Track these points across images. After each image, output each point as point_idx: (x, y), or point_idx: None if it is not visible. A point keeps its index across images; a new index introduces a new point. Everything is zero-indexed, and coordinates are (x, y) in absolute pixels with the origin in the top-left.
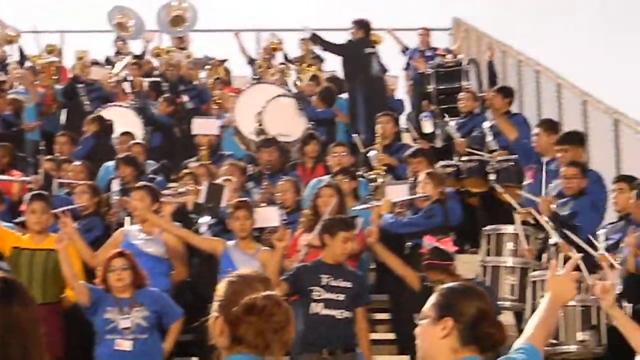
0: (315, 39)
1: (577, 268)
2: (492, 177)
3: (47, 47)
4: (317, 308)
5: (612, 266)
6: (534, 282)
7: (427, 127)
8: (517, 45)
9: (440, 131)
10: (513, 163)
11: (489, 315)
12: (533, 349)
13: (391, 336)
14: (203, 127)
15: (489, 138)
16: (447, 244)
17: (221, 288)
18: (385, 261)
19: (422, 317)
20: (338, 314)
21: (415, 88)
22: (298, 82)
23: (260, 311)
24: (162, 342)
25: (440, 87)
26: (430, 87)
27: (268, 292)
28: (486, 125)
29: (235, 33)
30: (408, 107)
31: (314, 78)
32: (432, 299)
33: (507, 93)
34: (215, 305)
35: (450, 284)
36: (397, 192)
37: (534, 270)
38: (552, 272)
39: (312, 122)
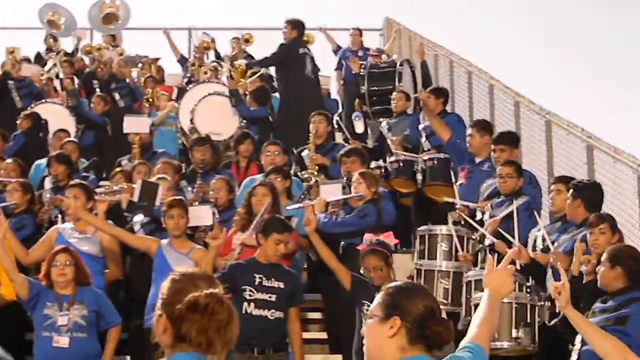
0: (250, 64)
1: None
2: (419, 176)
3: None
4: (249, 308)
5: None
6: (469, 283)
7: (359, 127)
8: (449, 46)
9: (372, 132)
10: (437, 162)
11: (435, 314)
12: (479, 347)
13: (324, 335)
14: (134, 125)
15: (423, 139)
16: (389, 238)
17: (165, 286)
18: (320, 253)
19: (370, 316)
20: (269, 314)
21: (348, 88)
22: (230, 80)
23: (203, 309)
24: (99, 343)
25: (373, 87)
26: (364, 88)
27: (211, 290)
28: (420, 126)
29: (165, 31)
30: (340, 107)
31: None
32: (379, 298)
33: (440, 93)
34: (158, 303)
35: (397, 283)
36: (331, 192)
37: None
38: (488, 268)
39: (245, 121)
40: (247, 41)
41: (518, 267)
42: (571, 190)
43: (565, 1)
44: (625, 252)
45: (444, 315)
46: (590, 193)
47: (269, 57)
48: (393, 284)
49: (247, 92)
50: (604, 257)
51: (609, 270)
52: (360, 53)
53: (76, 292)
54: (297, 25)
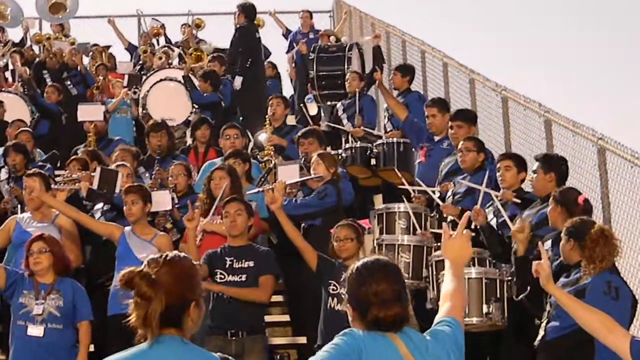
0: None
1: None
2: (372, 162)
3: None
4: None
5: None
6: (436, 262)
7: (312, 109)
8: (401, 25)
9: (324, 114)
10: (387, 146)
11: (377, 299)
12: (455, 320)
13: (286, 318)
14: (88, 113)
15: (385, 120)
16: (364, 222)
17: None
18: (286, 231)
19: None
20: None
21: (300, 71)
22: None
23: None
24: (75, 335)
25: (322, 72)
26: (312, 72)
27: (135, 267)
28: (383, 106)
29: (110, 19)
30: (291, 90)
31: (216, 59)
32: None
33: (405, 71)
34: None
35: (357, 264)
36: (288, 172)
37: (433, 250)
38: (445, 236)
39: (197, 106)
40: (198, 26)
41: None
42: (539, 164)
43: None
44: (581, 224)
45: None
46: (563, 166)
47: (234, 47)
48: (354, 265)
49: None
50: (563, 232)
51: (566, 243)
52: (311, 35)
53: (55, 282)
54: (249, 10)
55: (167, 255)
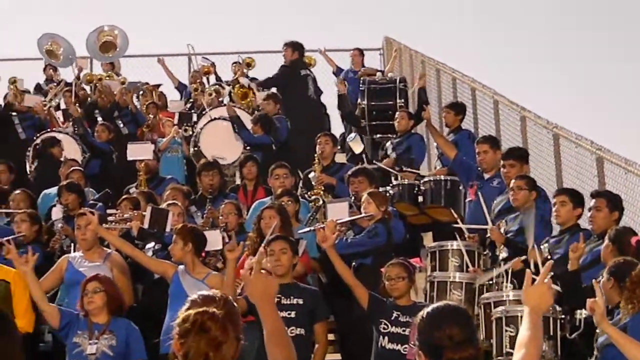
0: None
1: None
2: (420, 199)
3: None
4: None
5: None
6: (484, 305)
7: (357, 148)
8: (451, 63)
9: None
10: (435, 184)
11: (450, 342)
12: None
13: (338, 357)
14: (137, 152)
15: (435, 158)
16: (416, 261)
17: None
18: (337, 270)
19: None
20: (289, 331)
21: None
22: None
23: (193, 326)
24: None
25: (373, 103)
26: (363, 103)
27: (204, 308)
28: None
29: (159, 59)
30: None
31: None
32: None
33: (459, 109)
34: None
35: (427, 310)
36: (338, 210)
37: (482, 286)
38: (526, 283)
39: (248, 147)
40: (248, 65)
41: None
42: (605, 202)
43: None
44: (623, 265)
45: None
46: (622, 206)
47: (272, 77)
48: (423, 311)
49: (256, 109)
50: (605, 271)
51: (607, 281)
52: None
53: (110, 322)
54: (296, 47)
55: (224, 296)
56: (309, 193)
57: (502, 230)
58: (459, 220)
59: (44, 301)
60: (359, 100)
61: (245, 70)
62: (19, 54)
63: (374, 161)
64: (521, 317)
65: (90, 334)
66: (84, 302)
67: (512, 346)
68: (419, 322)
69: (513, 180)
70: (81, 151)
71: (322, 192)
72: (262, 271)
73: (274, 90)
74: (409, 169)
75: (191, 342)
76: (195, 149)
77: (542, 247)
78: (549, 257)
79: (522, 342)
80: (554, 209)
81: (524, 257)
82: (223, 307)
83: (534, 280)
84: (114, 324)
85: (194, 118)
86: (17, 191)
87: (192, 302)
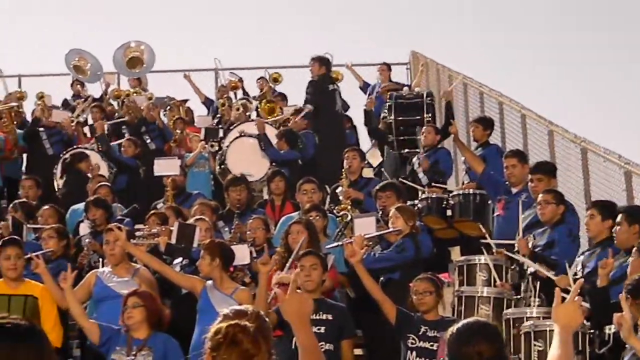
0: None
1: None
2: (448, 213)
3: (17, 93)
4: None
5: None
6: (508, 320)
7: (374, 159)
8: (478, 77)
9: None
10: (463, 198)
11: (480, 358)
12: None
13: None
14: (164, 167)
15: (463, 172)
16: (444, 276)
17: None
18: (365, 285)
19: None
20: None
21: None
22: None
23: (225, 339)
24: None
25: (400, 117)
26: (390, 118)
27: (236, 321)
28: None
29: (186, 75)
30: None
31: (297, 112)
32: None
33: (487, 124)
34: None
35: (456, 325)
36: (365, 225)
37: (510, 300)
38: (556, 302)
39: (275, 163)
40: (275, 80)
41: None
42: (623, 216)
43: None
44: None
45: None
46: None
47: (308, 98)
48: (453, 327)
49: (286, 125)
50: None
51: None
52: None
53: (149, 337)
54: (323, 62)
55: (256, 310)
56: (336, 208)
57: (530, 245)
58: (487, 235)
59: (84, 317)
60: (383, 115)
61: (272, 85)
62: (46, 70)
63: (402, 180)
64: (550, 331)
65: (129, 350)
66: (124, 317)
67: None
68: (449, 337)
69: (541, 195)
70: (108, 167)
71: (349, 207)
72: (298, 290)
73: (301, 106)
74: (437, 184)
75: (223, 355)
76: (222, 166)
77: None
78: (582, 270)
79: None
80: (584, 222)
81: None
82: (255, 321)
83: (564, 299)
84: (153, 339)
85: (220, 134)
86: (46, 207)
87: (224, 316)
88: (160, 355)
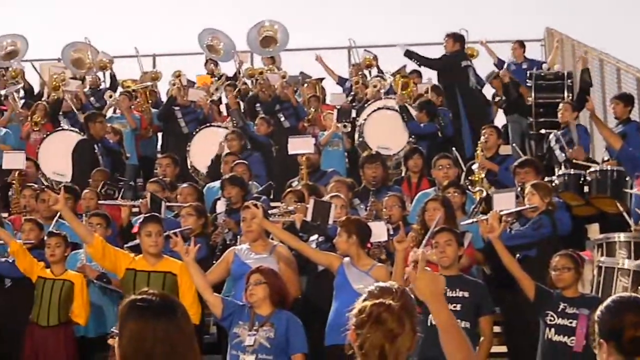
0: (409, 54)
1: None
2: (585, 189)
3: (152, 74)
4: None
5: None
6: None
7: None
8: (616, 53)
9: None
10: (600, 174)
11: (630, 322)
12: None
13: (504, 349)
14: (299, 145)
15: (603, 149)
16: (586, 254)
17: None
18: (503, 261)
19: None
20: None
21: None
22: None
23: (369, 317)
24: None
25: (541, 99)
26: (530, 99)
27: (380, 300)
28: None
29: (317, 57)
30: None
31: (433, 90)
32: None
33: (628, 101)
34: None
35: (605, 302)
36: (504, 201)
37: None
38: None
39: (414, 137)
40: None
41: None
42: None
43: None
44: None
45: None
46: None
47: (432, 59)
48: (603, 304)
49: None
50: None
51: None
52: (524, 65)
53: (272, 314)
54: (457, 38)
55: (401, 288)
56: (472, 185)
57: None
58: (624, 212)
59: (208, 291)
60: (498, 97)
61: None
62: (180, 49)
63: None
64: None
65: (251, 325)
66: (246, 294)
67: None
68: (599, 313)
69: None
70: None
71: (483, 180)
72: (427, 268)
73: (435, 82)
74: (580, 161)
75: (367, 334)
76: (360, 139)
77: None
78: None
79: None
80: None
81: None
82: (400, 299)
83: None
84: (276, 316)
85: (353, 114)
86: (184, 185)
87: (369, 294)
88: (282, 332)
